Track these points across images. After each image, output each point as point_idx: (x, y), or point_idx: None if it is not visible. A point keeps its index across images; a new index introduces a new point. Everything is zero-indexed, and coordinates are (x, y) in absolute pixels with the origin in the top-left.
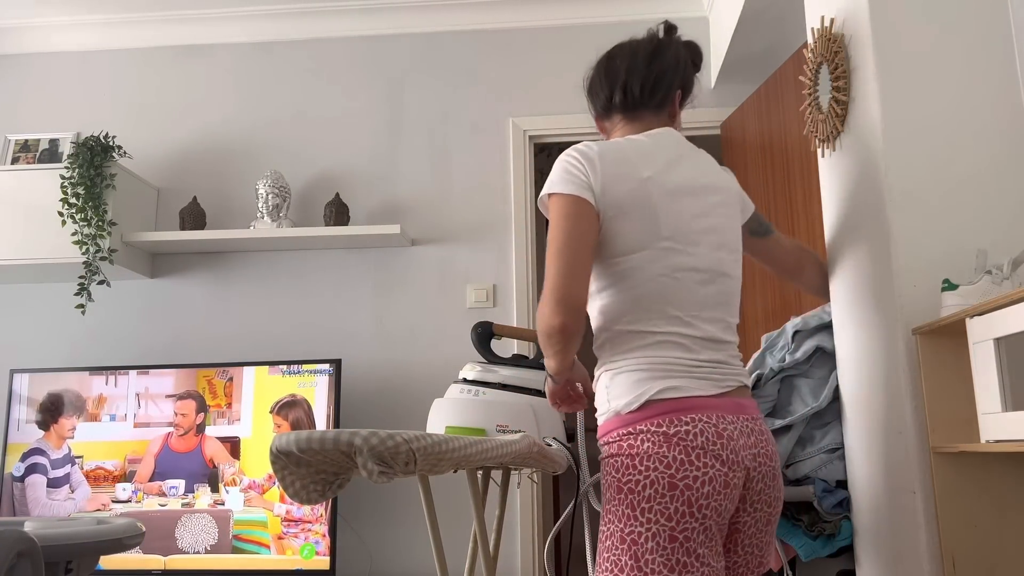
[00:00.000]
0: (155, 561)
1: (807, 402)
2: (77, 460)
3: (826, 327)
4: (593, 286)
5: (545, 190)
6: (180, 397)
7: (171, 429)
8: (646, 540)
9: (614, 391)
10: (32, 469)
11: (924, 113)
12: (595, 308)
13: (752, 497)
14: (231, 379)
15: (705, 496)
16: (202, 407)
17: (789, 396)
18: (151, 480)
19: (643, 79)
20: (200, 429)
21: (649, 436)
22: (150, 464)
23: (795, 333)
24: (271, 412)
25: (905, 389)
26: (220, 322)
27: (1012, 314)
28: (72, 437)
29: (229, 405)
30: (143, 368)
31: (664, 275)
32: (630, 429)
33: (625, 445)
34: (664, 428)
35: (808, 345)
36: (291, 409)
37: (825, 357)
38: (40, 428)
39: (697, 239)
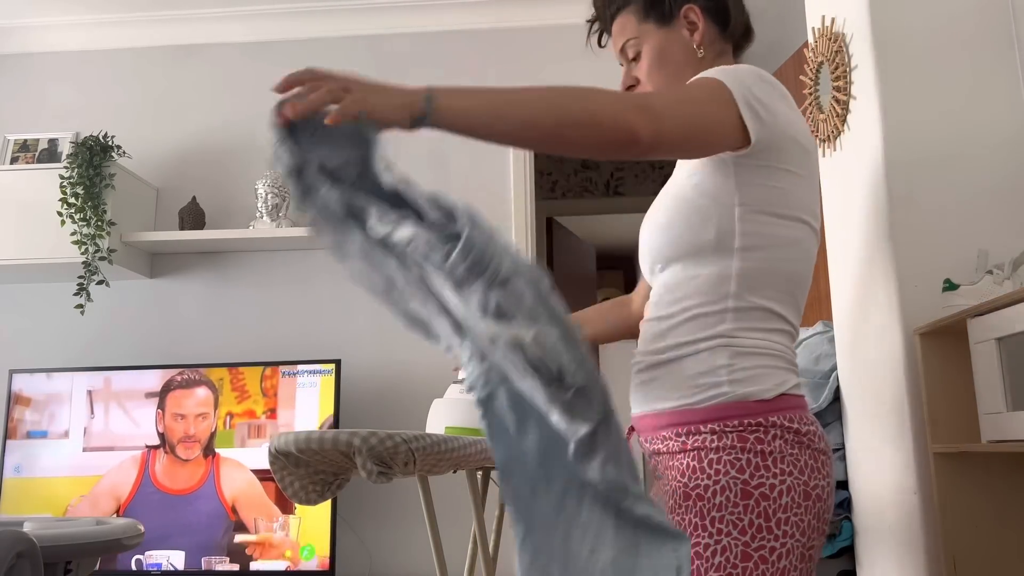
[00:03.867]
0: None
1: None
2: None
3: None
4: (737, 241)
5: (717, 73)
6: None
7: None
8: (779, 558)
9: (740, 372)
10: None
11: (925, 113)
12: (726, 267)
13: None
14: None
15: (828, 510)
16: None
17: None
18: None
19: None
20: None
21: (781, 433)
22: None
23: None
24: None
25: (906, 389)
26: (220, 322)
27: (1013, 314)
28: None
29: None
30: (144, 368)
31: (807, 259)
32: (760, 420)
33: (752, 439)
34: (796, 425)
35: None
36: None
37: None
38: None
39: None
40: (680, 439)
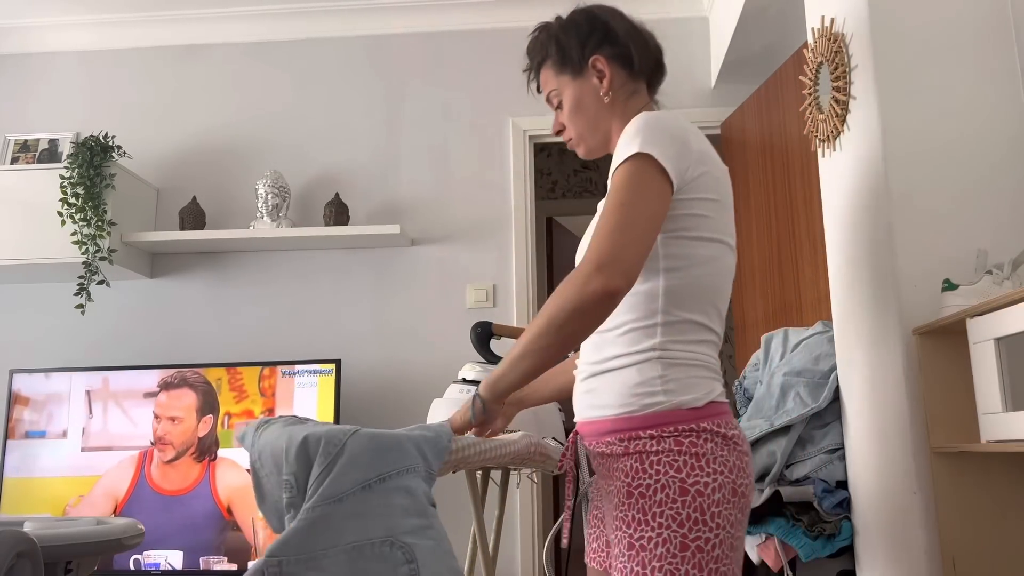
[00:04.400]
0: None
1: (806, 402)
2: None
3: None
4: (662, 263)
5: (637, 146)
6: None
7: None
8: (713, 547)
9: (673, 383)
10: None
11: (924, 113)
12: (655, 286)
13: None
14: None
15: (749, 505)
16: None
17: (784, 397)
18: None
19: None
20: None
21: (711, 436)
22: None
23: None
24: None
25: (905, 389)
26: (220, 322)
27: (1012, 314)
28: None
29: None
30: (143, 368)
31: (725, 273)
32: (693, 426)
33: (687, 443)
34: (723, 430)
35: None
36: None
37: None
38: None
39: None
40: (623, 444)
